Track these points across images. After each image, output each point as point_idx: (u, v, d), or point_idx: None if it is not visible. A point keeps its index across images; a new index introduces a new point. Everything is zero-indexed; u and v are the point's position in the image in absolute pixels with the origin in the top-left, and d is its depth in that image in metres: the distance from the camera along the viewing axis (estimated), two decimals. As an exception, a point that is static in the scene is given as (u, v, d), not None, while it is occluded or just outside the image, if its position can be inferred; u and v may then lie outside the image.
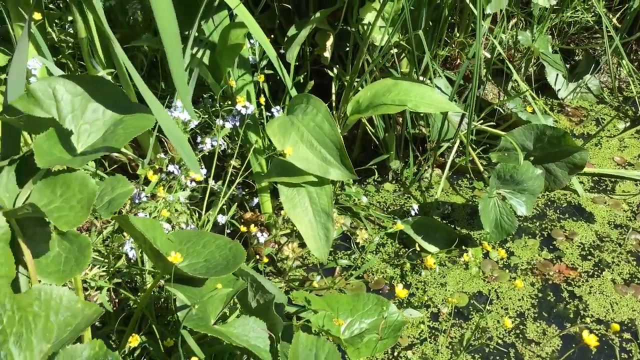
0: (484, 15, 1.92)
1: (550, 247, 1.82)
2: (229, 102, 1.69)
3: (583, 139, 2.21)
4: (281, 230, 1.68)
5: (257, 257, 1.63)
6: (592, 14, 2.34)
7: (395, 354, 1.51)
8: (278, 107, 1.67)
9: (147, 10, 1.80)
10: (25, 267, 1.00)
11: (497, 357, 1.52)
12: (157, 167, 1.49)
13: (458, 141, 1.96)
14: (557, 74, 2.31)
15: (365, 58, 1.81)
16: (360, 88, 1.76)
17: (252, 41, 1.68)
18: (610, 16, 2.35)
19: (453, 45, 2.11)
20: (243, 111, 1.57)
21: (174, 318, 1.33)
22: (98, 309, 0.96)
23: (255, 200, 1.69)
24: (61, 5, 1.81)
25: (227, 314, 1.25)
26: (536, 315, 1.62)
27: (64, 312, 0.94)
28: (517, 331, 1.58)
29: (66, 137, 1.03)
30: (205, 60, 1.66)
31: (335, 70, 1.89)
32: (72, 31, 1.72)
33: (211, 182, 1.57)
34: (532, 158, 1.83)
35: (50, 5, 1.82)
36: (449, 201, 1.95)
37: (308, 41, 1.86)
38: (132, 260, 1.38)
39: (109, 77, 1.54)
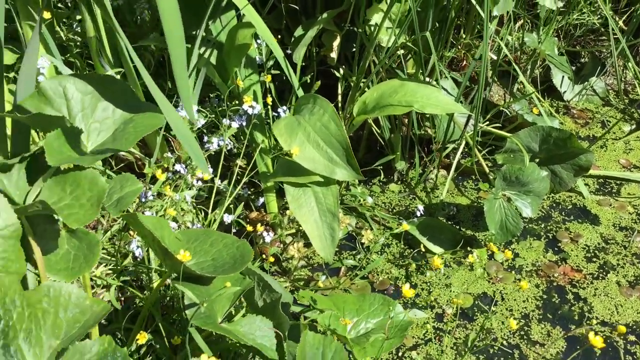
0: (491, 17, 1.92)
1: (555, 249, 1.82)
2: (236, 102, 1.70)
3: (589, 141, 2.21)
4: (287, 229, 1.69)
5: (263, 256, 1.64)
6: (599, 16, 2.34)
7: (400, 354, 1.52)
8: (284, 107, 1.67)
9: (154, 10, 1.80)
10: (33, 264, 1.00)
11: (502, 359, 1.53)
12: (164, 166, 1.50)
13: (464, 142, 1.96)
14: (563, 76, 2.31)
15: (372, 59, 1.81)
16: (366, 89, 1.76)
17: (259, 41, 1.69)
18: (617, 18, 2.35)
19: (459, 47, 2.11)
20: (250, 111, 1.58)
21: (180, 316, 1.33)
22: (106, 306, 0.96)
23: (261, 199, 1.70)
24: (69, 4, 1.82)
25: (233, 313, 1.25)
26: (541, 316, 1.63)
27: (72, 308, 0.94)
28: (522, 332, 1.59)
29: (76, 135, 1.04)
30: (213, 60, 1.66)
31: (341, 71, 1.89)
32: (80, 30, 1.72)
33: (217, 181, 1.58)
34: (537, 160, 1.83)
35: (59, 4, 1.82)
36: (454, 202, 1.95)
37: (315, 42, 1.87)
38: (138, 259, 1.39)
39: (117, 77, 1.55)
